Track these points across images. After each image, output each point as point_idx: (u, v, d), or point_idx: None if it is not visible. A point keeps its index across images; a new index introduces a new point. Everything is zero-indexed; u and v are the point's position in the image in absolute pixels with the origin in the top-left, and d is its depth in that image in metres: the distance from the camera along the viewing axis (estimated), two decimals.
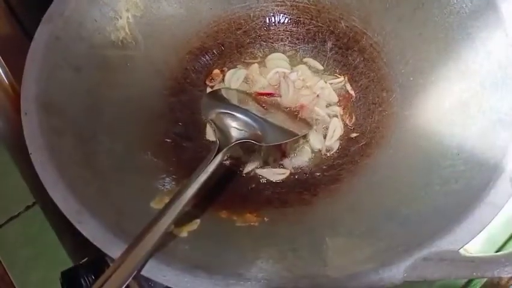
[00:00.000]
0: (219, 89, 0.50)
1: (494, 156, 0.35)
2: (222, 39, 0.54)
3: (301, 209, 0.42)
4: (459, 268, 0.29)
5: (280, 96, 0.51)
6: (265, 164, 0.47)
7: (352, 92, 0.51)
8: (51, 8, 0.43)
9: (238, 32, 0.54)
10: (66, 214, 0.33)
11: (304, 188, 0.44)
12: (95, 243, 0.32)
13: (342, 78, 0.52)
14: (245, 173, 0.46)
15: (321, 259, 0.34)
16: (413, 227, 0.35)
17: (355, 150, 0.47)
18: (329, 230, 0.38)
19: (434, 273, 0.29)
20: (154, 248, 0.32)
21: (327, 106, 0.51)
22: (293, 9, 0.54)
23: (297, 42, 0.54)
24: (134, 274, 0.31)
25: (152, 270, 0.31)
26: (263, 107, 0.48)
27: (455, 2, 0.43)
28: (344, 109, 0.50)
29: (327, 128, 0.49)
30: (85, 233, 0.32)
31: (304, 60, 0.54)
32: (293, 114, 0.50)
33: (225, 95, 0.49)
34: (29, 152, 0.35)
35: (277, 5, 0.54)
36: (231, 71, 0.53)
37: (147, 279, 0.31)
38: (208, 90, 0.52)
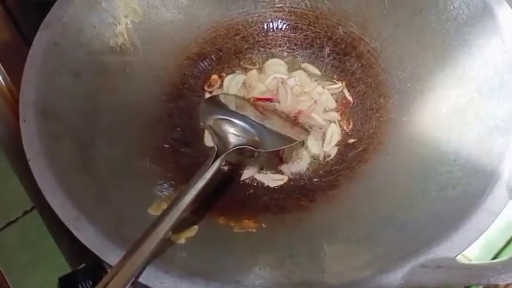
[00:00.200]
0: (217, 95, 0.50)
1: (491, 162, 0.35)
2: (220, 44, 0.54)
3: (299, 215, 0.42)
4: (456, 275, 0.29)
5: (279, 101, 0.51)
6: (263, 169, 0.47)
7: (350, 98, 0.51)
8: (50, 14, 0.43)
9: (236, 38, 0.54)
10: (64, 221, 0.33)
11: (302, 194, 0.44)
12: (93, 250, 0.32)
13: (339, 84, 0.52)
14: (243, 179, 0.46)
15: (318, 266, 0.34)
16: (410, 233, 0.35)
17: (352, 156, 0.47)
18: (327, 236, 0.38)
19: (431, 280, 0.30)
20: (152, 255, 0.32)
21: (324, 112, 0.51)
22: (291, 15, 0.54)
23: (295, 48, 0.54)
24: (131, 281, 0.31)
25: (149, 277, 0.31)
26: (261, 112, 0.48)
27: (452, 8, 0.43)
28: (341, 115, 0.50)
29: (324, 134, 0.49)
30: (82, 240, 0.32)
31: (302, 65, 0.54)
32: (291, 120, 0.50)
33: (223, 101, 0.49)
34: (28, 159, 0.35)
35: (275, 11, 0.54)
36: (229, 76, 0.53)
37: (145, 286, 0.31)
38: (207, 95, 0.52)
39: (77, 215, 0.33)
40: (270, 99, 0.51)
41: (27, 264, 0.60)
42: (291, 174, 0.47)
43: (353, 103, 0.51)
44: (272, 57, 0.55)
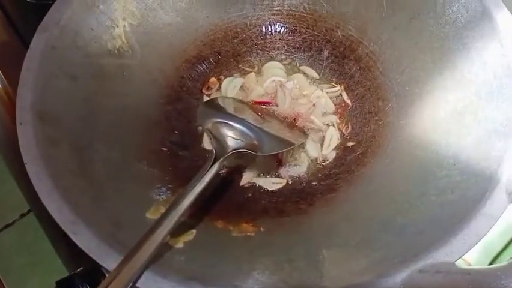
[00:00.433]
0: (216, 98, 0.50)
1: (490, 166, 0.35)
2: (218, 47, 0.54)
3: (297, 219, 0.42)
4: (455, 280, 0.28)
5: (277, 105, 0.51)
6: (261, 173, 0.47)
7: (348, 101, 0.51)
8: (47, 17, 0.43)
9: (234, 41, 0.54)
10: (61, 225, 0.33)
11: (301, 197, 0.44)
12: (90, 254, 0.32)
13: (338, 87, 0.52)
14: (241, 183, 0.46)
15: (317, 270, 0.34)
16: (409, 237, 0.35)
17: (351, 159, 0.47)
18: (325, 240, 0.38)
19: (430, 285, 0.29)
20: (150, 260, 0.32)
21: (323, 115, 0.51)
22: (289, 18, 0.54)
23: (293, 51, 0.54)
24: (130, 286, 0.30)
25: (147, 282, 0.31)
26: (260, 115, 0.48)
27: (451, 12, 0.43)
28: (340, 118, 0.50)
29: (323, 137, 0.49)
30: (80, 244, 0.32)
31: (301, 68, 0.54)
32: (289, 123, 0.50)
33: (221, 104, 0.49)
34: (24, 162, 0.35)
35: (273, 14, 0.54)
36: (228, 79, 0.53)
37: None
38: (205, 98, 0.52)
39: (74, 219, 0.33)
40: (268, 102, 0.51)
41: (25, 267, 0.59)
42: (290, 177, 0.47)
43: (352, 106, 0.51)
44: (270, 60, 0.55)
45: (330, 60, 0.53)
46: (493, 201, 0.33)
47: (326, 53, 0.53)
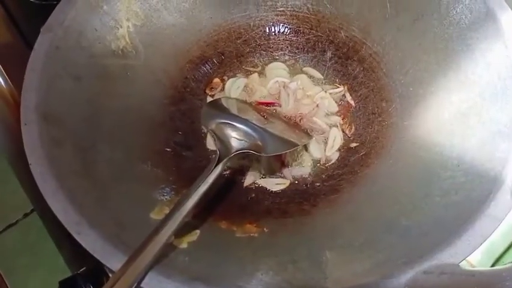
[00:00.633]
0: (219, 99, 0.50)
1: (494, 167, 0.35)
2: (222, 48, 0.54)
3: (301, 220, 0.42)
4: (459, 282, 0.28)
5: (280, 105, 0.51)
6: (264, 174, 0.47)
7: (352, 102, 0.51)
8: (51, 18, 0.43)
9: (238, 41, 0.54)
10: (65, 225, 0.33)
11: (304, 198, 0.44)
12: (94, 254, 0.32)
13: (341, 87, 0.52)
14: (244, 183, 0.46)
15: (321, 271, 0.34)
16: (413, 239, 0.35)
17: (355, 160, 0.47)
18: (329, 241, 0.38)
19: (434, 286, 0.29)
20: (154, 260, 0.32)
21: (326, 116, 0.51)
22: (293, 18, 0.54)
23: (296, 51, 0.54)
24: (134, 287, 0.30)
25: (152, 283, 0.31)
26: (263, 116, 0.48)
27: (455, 13, 0.43)
28: (343, 119, 0.50)
29: (327, 138, 0.49)
30: (84, 245, 0.32)
31: (304, 69, 0.54)
32: (293, 123, 0.50)
33: (225, 105, 0.49)
34: (29, 163, 0.35)
35: (277, 15, 0.54)
36: (231, 80, 0.53)
37: None
38: (208, 99, 0.52)
39: (78, 220, 0.33)
40: (271, 103, 0.51)
41: (27, 267, 0.60)
42: (293, 178, 0.47)
43: (355, 107, 0.51)
44: (274, 61, 0.55)
45: (333, 61, 0.53)
46: (498, 203, 0.33)
47: (329, 54, 0.53)
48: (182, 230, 0.36)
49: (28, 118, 0.37)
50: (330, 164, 0.47)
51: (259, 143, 0.44)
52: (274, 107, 0.51)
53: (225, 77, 0.53)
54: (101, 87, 0.44)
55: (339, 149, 0.48)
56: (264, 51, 0.55)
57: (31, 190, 0.51)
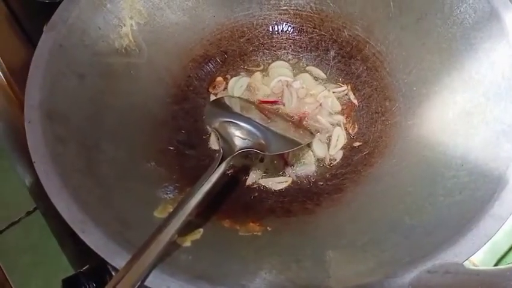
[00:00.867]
0: (222, 97, 0.50)
1: (498, 167, 0.35)
2: (225, 47, 0.54)
3: (304, 219, 0.42)
4: (464, 281, 0.28)
5: (284, 104, 0.51)
6: (268, 172, 0.47)
7: (355, 101, 0.51)
8: (54, 16, 0.43)
9: (241, 40, 0.54)
10: (70, 223, 0.33)
11: (307, 197, 0.44)
12: (98, 252, 0.32)
13: (345, 87, 0.52)
14: (248, 182, 0.46)
15: (324, 270, 0.34)
16: (417, 238, 0.35)
17: (358, 159, 0.46)
18: (332, 240, 0.38)
19: (438, 286, 0.29)
20: (158, 258, 0.32)
21: (330, 115, 0.51)
22: (296, 17, 0.54)
23: (300, 50, 0.54)
24: (138, 285, 0.30)
25: (155, 281, 0.31)
26: (266, 115, 0.48)
27: (459, 12, 0.43)
28: (347, 118, 0.50)
29: (330, 137, 0.49)
30: (88, 243, 0.32)
31: (307, 68, 0.54)
32: (296, 122, 0.50)
33: (228, 103, 0.49)
34: (33, 161, 0.35)
35: (280, 14, 0.54)
36: (234, 78, 0.53)
37: None
38: (212, 98, 0.52)
39: (82, 218, 0.33)
40: (275, 101, 0.51)
41: (30, 265, 0.60)
42: (296, 177, 0.47)
43: (359, 106, 0.51)
44: (277, 60, 0.55)
45: (336, 60, 0.53)
46: (502, 202, 0.33)
47: (332, 53, 0.53)
48: (186, 229, 0.36)
49: (32, 116, 0.37)
50: (333, 163, 0.47)
51: (263, 141, 0.44)
52: (278, 106, 0.51)
53: (228, 76, 0.53)
54: (104, 86, 0.44)
55: (342, 148, 0.48)
56: (267, 50, 0.55)
57: (34, 188, 0.51)
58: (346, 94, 0.52)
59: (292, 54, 0.55)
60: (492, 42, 0.41)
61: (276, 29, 0.55)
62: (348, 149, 0.48)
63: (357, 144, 0.48)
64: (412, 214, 0.37)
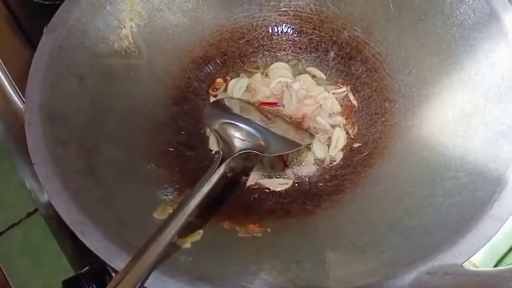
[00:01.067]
0: (222, 99, 0.50)
1: (498, 168, 0.35)
2: (224, 48, 0.54)
3: (304, 220, 0.42)
4: (463, 282, 0.28)
5: (283, 105, 0.51)
6: (267, 174, 0.47)
7: (355, 102, 0.51)
8: (55, 18, 0.43)
9: (241, 42, 0.54)
10: (69, 225, 0.33)
11: (307, 198, 0.44)
12: (98, 254, 0.32)
13: (344, 88, 0.52)
14: (247, 183, 0.46)
15: (324, 271, 0.34)
16: (416, 239, 0.35)
17: (358, 160, 0.47)
18: (332, 241, 0.38)
19: (438, 287, 0.29)
20: (158, 260, 0.32)
21: (329, 116, 0.51)
22: (296, 19, 0.54)
23: (299, 51, 0.54)
24: (138, 286, 0.31)
25: (155, 282, 0.31)
26: (266, 116, 0.48)
27: (458, 13, 0.43)
28: (346, 119, 0.50)
29: (330, 138, 0.49)
30: (88, 244, 0.32)
31: (307, 69, 0.54)
32: (296, 123, 0.50)
33: (228, 105, 0.49)
34: (33, 162, 0.35)
35: (280, 15, 0.54)
36: (234, 80, 0.53)
37: None
38: (211, 99, 0.52)
39: (82, 219, 0.33)
40: (274, 103, 0.51)
41: (31, 266, 0.60)
42: (296, 178, 0.47)
43: (358, 107, 0.51)
44: (277, 61, 0.55)
45: (336, 61, 0.53)
46: (501, 203, 0.33)
47: (332, 54, 0.53)
48: (186, 230, 0.36)
49: (32, 118, 0.37)
50: (333, 164, 0.48)
51: (262, 143, 0.44)
52: (277, 107, 0.51)
53: (228, 77, 0.53)
54: (104, 87, 0.44)
55: (342, 149, 0.48)
56: (266, 51, 0.55)
57: (35, 188, 0.51)
58: (346, 95, 0.52)
59: (292, 56, 0.55)
60: (491, 43, 0.41)
61: (276, 30, 0.55)
62: (348, 150, 0.48)
63: (356, 145, 0.48)
64: (411, 215, 0.37)
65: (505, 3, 0.41)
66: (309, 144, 0.48)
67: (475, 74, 0.41)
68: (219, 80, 0.53)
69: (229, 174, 0.46)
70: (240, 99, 0.51)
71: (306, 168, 0.47)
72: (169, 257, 0.34)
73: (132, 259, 0.31)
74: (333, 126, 0.50)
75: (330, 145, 0.49)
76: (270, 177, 0.47)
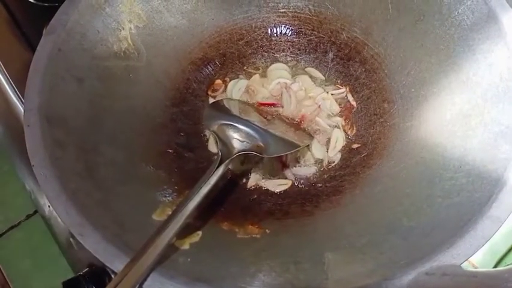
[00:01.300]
0: (221, 100, 0.50)
1: (496, 169, 0.35)
2: (223, 49, 0.54)
3: (303, 221, 0.42)
4: (462, 283, 0.28)
5: (282, 106, 0.51)
6: (266, 175, 0.47)
7: (354, 103, 0.51)
8: (54, 20, 0.43)
9: (240, 43, 0.54)
10: (68, 227, 0.33)
11: (306, 199, 0.44)
12: (97, 256, 0.32)
13: (343, 89, 0.52)
14: (246, 184, 0.46)
15: (323, 272, 0.34)
16: (415, 240, 0.35)
17: (357, 161, 0.47)
18: (331, 242, 0.38)
19: None
20: (156, 261, 0.32)
21: (328, 117, 0.51)
22: (295, 20, 0.54)
23: (298, 52, 0.54)
24: None
25: (154, 284, 0.31)
26: (265, 117, 0.48)
27: (457, 14, 0.43)
28: (345, 120, 0.50)
29: (329, 139, 0.49)
30: (87, 246, 0.32)
31: (306, 70, 0.54)
32: (295, 125, 0.50)
33: (227, 106, 0.49)
34: (32, 164, 0.35)
35: (278, 16, 0.54)
36: (233, 81, 0.53)
37: None
38: (210, 100, 0.52)
39: (81, 221, 0.33)
40: (273, 104, 0.51)
41: (30, 268, 0.60)
42: (295, 179, 0.47)
43: (357, 108, 0.51)
44: (276, 62, 0.55)
45: (335, 62, 0.53)
46: (500, 204, 0.33)
47: (331, 55, 0.53)
48: (184, 231, 0.36)
49: (31, 120, 0.37)
50: (332, 165, 0.48)
51: (261, 144, 0.44)
52: (276, 108, 0.51)
53: (227, 79, 0.54)
54: (103, 89, 0.44)
55: (341, 150, 0.48)
56: (265, 52, 0.55)
57: (34, 191, 0.51)
58: (345, 96, 0.52)
59: (291, 57, 0.55)
60: (490, 44, 0.41)
61: (275, 31, 0.55)
62: (347, 151, 0.48)
63: (355, 146, 0.48)
64: (410, 216, 0.37)
65: (503, 4, 0.41)
66: (308, 145, 0.48)
67: (473, 75, 0.41)
68: (218, 81, 0.53)
69: (228, 176, 0.46)
70: (239, 101, 0.51)
71: (305, 169, 0.47)
72: (167, 258, 0.34)
73: (131, 261, 0.31)
74: (332, 127, 0.50)
75: (329, 146, 0.49)
76: (269, 178, 0.47)
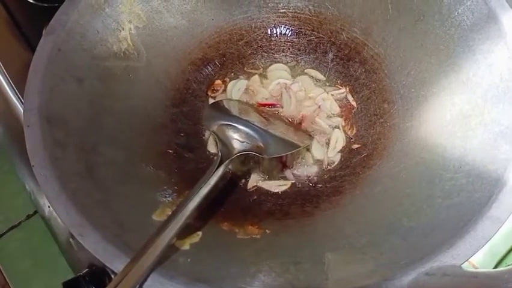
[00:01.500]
0: (221, 100, 0.50)
1: (496, 169, 0.35)
2: (223, 50, 0.54)
3: (303, 221, 0.42)
4: (462, 283, 0.28)
5: (282, 107, 0.51)
6: (266, 175, 0.47)
7: (353, 103, 0.51)
8: (53, 20, 0.43)
9: (239, 43, 0.54)
10: (68, 227, 0.33)
11: (306, 199, 0.44)
12: (97, 256, 0.32)
13: (343, 89, 0.52)
14: (246, 185, 0.46)
15: (323, 272, 0.34)
16: (415, 240, 0.35)
17: (357, 161, 0.47)
18: (331, 242, 0.38)
19: None
20: (156, 262, 0.32)
21: (328, 117, 0.51)
22: (294, 20, 0.54)
23: (298, 53, 0.54)
24: None
25: (154, 284, 0.31)
26: (265, 118, 0.48)
27: (456, 14, 0.43)
28: (345, 120, 0.50)
29: (329, 139, 0.49)
30: (87, 246, 0.32)
31: (306, 71, 0.54)
32: (295, 125, 0.50)
33: (226, 106, 0.49)
34: (32, 164, 0.35)
35: (278, 16, 0.54)
36: (233, 81, 0.53)
37: None
38: (210, 101, 0.52)
39: (81, 221, 0.33)
40: (273, 104, 0.51)
41: (30, 268, 0.60)
42: (295, 179, 0.47)
43: (357, 108, 0.51)
44: (275, 63, 0.55)
45: (335, 63, 0.53)
46: (500, 204, 0.33)
47: (331, 55, 0.53)
48: (184, 232, 0.36)
49: (31, 120, 0.37)
50: (332, 165, 0.48)
51: (261, 144, 0.44)
52: (276, 109, 0.51)
53: (227, 79, 0.54)
54: (103, 89, 0.44)
55: (341, 151, 0.48)
56: (265, 52, 0.55)
57: (34, 191, 0.51)
58: (345, 96, 0.52)
59: (291, 57, 0.55)
60: (490, 44, 0.41)
61: (275, 31, 0.55)
62: (347, 151, 0.48)
63: (355, 146, 0.48)
64: (410, 216, 0.37)
65: (503, 4, 0.41)
66: (308, 146, 0.48)
67: (473, 75, 0.41)
68: (218, 81, 0.53)
69: (228, 176, 0.46)
70: (238, 101, 0.51)
71: (305, 169, 0.47)
72: (167, 258, 0.34)
73: (131, 261, 0.31)
74: (332, 128, 0.50)
75: (329, 146, 0.49)
76: (268, 178, 0.47)
